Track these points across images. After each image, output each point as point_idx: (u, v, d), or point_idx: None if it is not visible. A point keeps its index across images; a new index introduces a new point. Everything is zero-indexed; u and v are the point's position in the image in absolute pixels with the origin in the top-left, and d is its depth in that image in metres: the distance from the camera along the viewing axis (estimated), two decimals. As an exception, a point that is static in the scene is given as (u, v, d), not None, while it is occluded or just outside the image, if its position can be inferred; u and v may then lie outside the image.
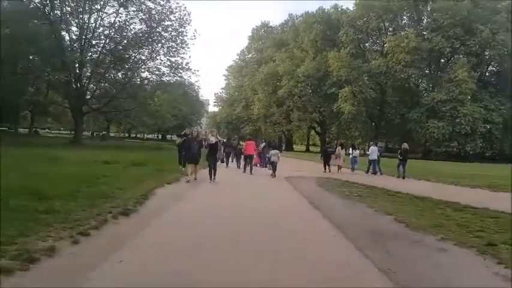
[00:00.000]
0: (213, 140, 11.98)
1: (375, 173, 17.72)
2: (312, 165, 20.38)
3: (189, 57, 64.61)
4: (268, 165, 16.83)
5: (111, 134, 75.79)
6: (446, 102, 38.97)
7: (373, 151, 18.11)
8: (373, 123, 48.95)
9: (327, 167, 18.37)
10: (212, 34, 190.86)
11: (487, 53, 41.32)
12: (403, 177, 16.04)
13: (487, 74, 45.86)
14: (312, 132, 61.67)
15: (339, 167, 18.34)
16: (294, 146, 66.17)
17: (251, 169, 16.01)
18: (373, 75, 44.71)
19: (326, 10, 54.35)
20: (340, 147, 19.52)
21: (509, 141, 40.07)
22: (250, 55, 70.32)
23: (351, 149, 19.74)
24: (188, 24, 33.41)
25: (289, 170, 17.46)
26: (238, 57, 73.63)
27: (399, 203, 9.01)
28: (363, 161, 19.69)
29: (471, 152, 40.57)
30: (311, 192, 10.68)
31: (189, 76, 36.53)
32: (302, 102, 49.77)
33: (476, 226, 6.36)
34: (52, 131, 67.57)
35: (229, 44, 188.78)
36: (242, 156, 17.21)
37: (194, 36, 34.20)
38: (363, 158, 19.61)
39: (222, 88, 77.99)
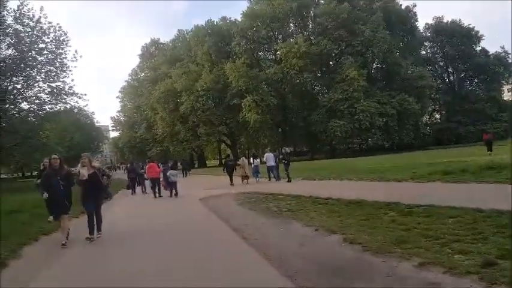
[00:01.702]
0: (84, 173, 6.91)
1: (276, 179, 17.69)
2: (223, 180, 18.97)
3: (72, 80, 57.98)
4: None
5: (3, 176, 63.76)
6: (343, 101, 40.86)
7: (269, 158, 18.05)
8: (280, 129, 49.54)
9: (232, 179, 17.94)
10: (98, 56, 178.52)
11: (370, 51, 44.43)
12: (289, 180, 16.34)
13: (373, 70, 49.60)
14: (223, 145, 60.20)
15: (244, 178, 17.99)
16: (207, 162, 64.02)
17: (159, 192, 15.41)
18: (272, 83, 45.25)
19: (215, 22, 53.92)
20: (243, 157, 19.90)
21: (406, 131, 43.13)
22: (143, 74, 67.06)
23: (252, 158, 19.84)
24: (66, 45, 29.68)
25: (202, 188, 16.71)
26: (130, 77, 69.48)
27: (337, 214, 7.60)
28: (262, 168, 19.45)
29: (371, 145, 43.15)
30: (236, 217, 8.52)
31: (76, 101, 32.14)
32: (206, 116, 48.01)
33: (444, 234, 5.07)
34: None
35: (118, 65, 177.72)
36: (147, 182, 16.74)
37: (75, 57, 30.24)
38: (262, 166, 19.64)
39: (118, 111, 72.27)
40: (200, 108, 47.57)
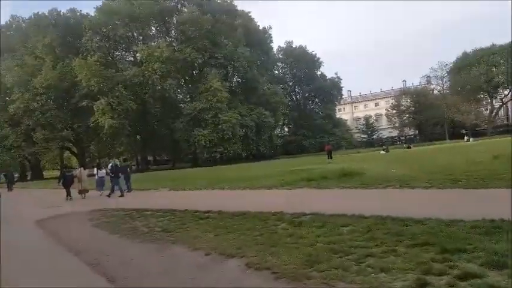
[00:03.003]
0: None
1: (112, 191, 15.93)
2: (65, 194, 16.06)
3: None
4: None
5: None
6: (207, 111, 40.97)
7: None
8: (139, 137, 45.78)
9: (69, 193, 16.11)
10: None
11: (232, 65, 45.86)
12: (122, 195, 15.14)
13: (234, 84, 51.20)
14: (67, 153, 51.78)
15: (82, 192, 16.24)
16: (44, 173, 53.67)
17: None
18: (130, 86, 41.70)
19: (62, 13, 46.88)
20: (82, 168, 18.76)
21: (262, 142, 46.30)
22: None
23: (95, 169, 18.56)
24: None
25: (40, 206, 14.28)
26: None
27: (224, 230, 6.59)
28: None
29: (231, 154, 44.09)
30: (92, 246, 6.51)
31: None
32: (46, 118, 40.49)
33: (350, 247, 4.64)
34: None
35: None
36: None
37: None
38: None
39: None
40: (38, 109, 39.97)
